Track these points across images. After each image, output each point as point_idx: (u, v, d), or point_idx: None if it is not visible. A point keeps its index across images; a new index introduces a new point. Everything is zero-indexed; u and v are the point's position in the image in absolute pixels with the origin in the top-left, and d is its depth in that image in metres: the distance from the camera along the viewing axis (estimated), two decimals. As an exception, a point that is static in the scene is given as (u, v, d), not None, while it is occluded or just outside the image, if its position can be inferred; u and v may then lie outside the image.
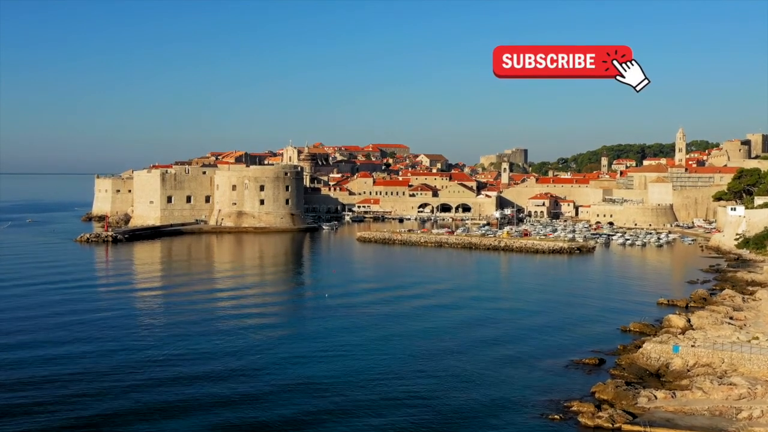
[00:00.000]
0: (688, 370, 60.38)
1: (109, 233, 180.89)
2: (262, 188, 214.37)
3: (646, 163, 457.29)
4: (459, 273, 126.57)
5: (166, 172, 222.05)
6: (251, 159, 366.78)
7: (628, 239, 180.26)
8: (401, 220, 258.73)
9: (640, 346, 69.80)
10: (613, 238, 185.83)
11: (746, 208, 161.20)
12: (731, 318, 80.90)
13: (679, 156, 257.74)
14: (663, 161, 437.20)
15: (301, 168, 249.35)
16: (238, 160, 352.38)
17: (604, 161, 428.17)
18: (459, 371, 62.83)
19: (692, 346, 62.91)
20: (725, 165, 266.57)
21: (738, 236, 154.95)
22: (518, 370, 63.71)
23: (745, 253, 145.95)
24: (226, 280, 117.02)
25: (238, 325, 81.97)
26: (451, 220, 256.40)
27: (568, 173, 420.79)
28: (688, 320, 79.43)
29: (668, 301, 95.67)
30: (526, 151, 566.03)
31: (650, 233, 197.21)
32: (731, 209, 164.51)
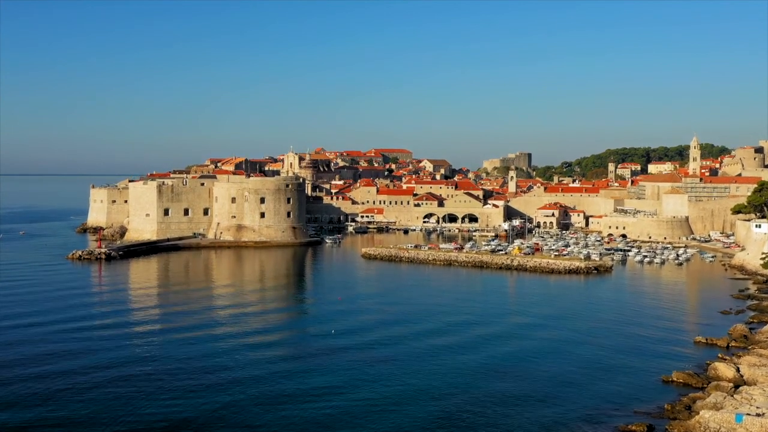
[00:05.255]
0: (755, 445, 52.46)
1: (103, 250, 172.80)
2: (262, 200, 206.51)
3: (651, 167, 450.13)
4: (473, 301, 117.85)
5: (163, 183, 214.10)
6: (251, 165, 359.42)
7: (645, 256, 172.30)
8: (406, 232, 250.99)
9: (690, 407, 62.23)
10: (630, 254, 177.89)
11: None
12: (782, 364, 73.11)
13: (694, 165, 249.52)
14: (668, 165, 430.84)
15: (303, 179, 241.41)
16: (238, 167, 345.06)
17: (611, 167, 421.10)
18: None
19: (757, 414, 54.91)
20: (740, 174, 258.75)
21: (764, 255, 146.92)
22: (556, 439, 55.86)
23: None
24: (224, 313, 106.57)
25: (237, 364, 75.38)
26: (457, 231, 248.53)
27: (574, 179, 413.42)
28: (737, 369, 71.56)
29: (706, 339, 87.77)
30: (530, 155, 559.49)
31: (667, 247, 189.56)
32: (756, 226, 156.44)
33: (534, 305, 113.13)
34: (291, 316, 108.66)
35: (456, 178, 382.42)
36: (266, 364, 76.73)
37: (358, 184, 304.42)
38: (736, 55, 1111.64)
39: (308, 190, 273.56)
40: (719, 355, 79.89)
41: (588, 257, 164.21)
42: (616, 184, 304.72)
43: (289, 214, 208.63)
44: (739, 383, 68.23)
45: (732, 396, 62.34)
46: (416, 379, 70.90)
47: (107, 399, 64.64)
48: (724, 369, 71.50)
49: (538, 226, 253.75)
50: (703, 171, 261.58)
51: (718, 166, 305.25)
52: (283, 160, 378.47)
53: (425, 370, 74.10)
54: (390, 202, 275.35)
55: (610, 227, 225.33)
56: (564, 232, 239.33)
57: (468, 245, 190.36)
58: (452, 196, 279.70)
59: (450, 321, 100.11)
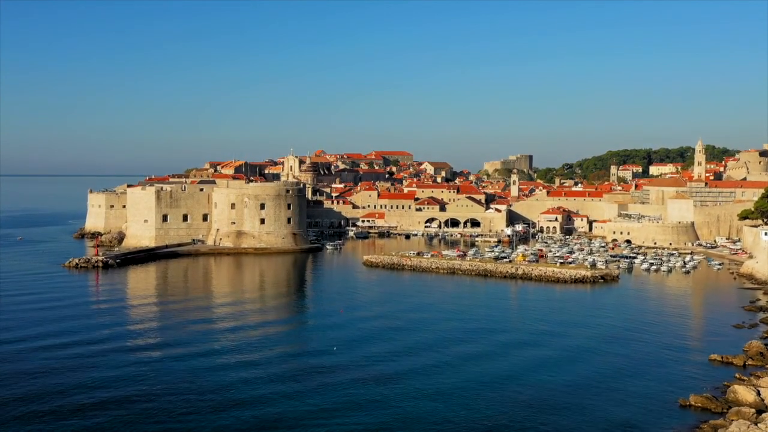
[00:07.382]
0: (785, 482, 49.67)
1: (100, 257, 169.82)
2: (262, 206, 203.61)
3: (652, 168, 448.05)
4: (478, 313, 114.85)
5: (161, 188, 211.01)
6: (251, 168, 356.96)
7: (652, 263, 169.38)
8: (408, 237, 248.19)
9: (711, 435, 59.34)
10: (636, 261, 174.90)
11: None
12: (803, 387, 70.29)
13: (698, 170, 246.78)
14: (670, 167, 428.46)
15: (303, 184, 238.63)
16: (238, 170, 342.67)
17: (613, 169, 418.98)
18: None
19: (786, 448, 52.14)
20: (745, 178, 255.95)
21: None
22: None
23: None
24: (223, 331, 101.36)
25: (236, 387, 72.09)
26: (459, 236, 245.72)
27: (575, 181, 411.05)
28: (758, 392, 68.74)
29: (722, 357, 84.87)
30: (531, 157, 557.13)
31: (673, 254, 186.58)
32: (765, 234, 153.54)
33: (539, 320, 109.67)
34: (291, 331, 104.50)
35: (457, 181, 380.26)
36: (266, 384, 73.82)
37: (358, 188, 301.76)
38: (737, 55, 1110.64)
39: (308, 194, 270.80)
40: (736, 375, 77.18)
41: (593, 265, 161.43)
42: (620, 188, 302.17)
43: (289, 220, 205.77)
44: (760, 408, 65.53)
45: (755, 424, 59.58)
46: (423, 414, 67.51)
47: (101, 421, 61.77)
48: (744, 392, 68.68)
49: (541, 230, 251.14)
50: (707, 175, 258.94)
51: (722, 169, 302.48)
52: (283, 164, 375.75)
53: (435, 399, 70.50)
54: (391, 207, 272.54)
55: (614, 232, 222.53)
56: (568, 237, 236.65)
57: (471, 251, 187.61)
58: (454, 200, 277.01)
59: (458, 346, 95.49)
